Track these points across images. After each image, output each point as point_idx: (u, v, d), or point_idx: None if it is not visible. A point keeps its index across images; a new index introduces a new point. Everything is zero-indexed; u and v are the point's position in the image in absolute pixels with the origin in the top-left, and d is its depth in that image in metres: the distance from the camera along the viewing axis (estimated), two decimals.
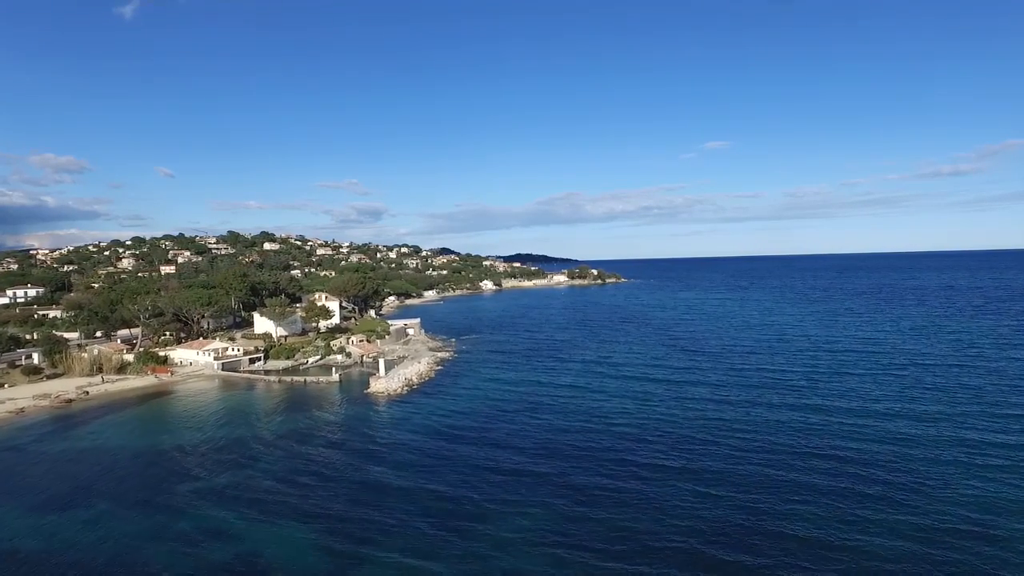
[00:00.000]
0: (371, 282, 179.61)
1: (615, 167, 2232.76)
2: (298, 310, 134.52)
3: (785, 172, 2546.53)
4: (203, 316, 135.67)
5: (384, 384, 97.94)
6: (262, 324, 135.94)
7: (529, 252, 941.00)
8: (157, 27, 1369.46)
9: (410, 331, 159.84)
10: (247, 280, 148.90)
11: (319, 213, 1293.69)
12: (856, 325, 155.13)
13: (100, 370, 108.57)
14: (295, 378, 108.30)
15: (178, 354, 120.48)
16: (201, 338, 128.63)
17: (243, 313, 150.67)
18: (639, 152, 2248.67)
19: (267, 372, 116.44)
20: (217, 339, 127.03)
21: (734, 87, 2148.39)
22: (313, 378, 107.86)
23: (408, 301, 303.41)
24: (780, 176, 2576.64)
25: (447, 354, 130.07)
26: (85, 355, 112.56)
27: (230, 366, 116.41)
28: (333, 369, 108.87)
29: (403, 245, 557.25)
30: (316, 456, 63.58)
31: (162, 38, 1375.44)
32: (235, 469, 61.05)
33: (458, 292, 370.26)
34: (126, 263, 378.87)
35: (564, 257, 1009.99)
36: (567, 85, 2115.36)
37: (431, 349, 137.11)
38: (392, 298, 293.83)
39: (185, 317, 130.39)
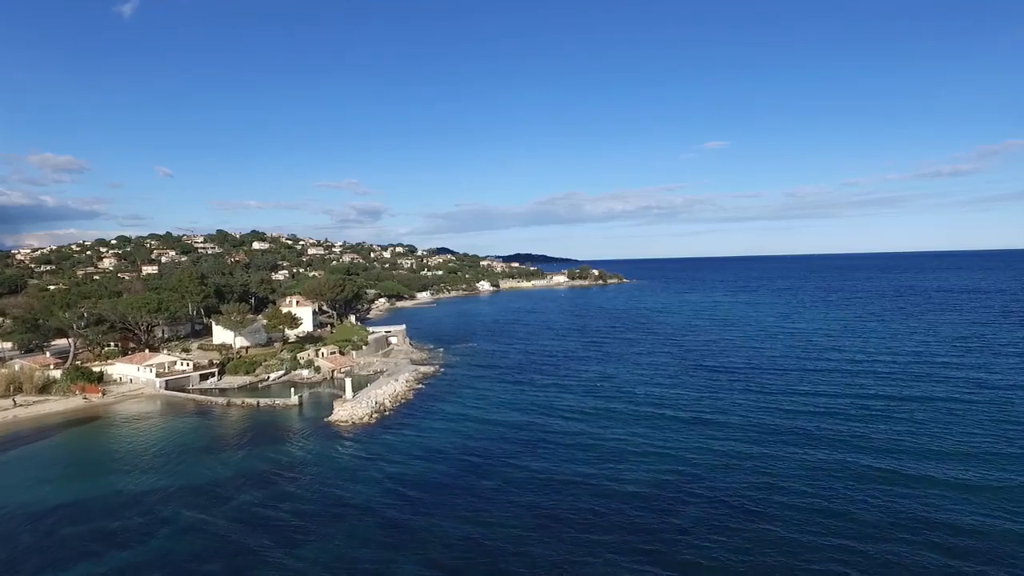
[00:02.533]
0: (351, 284, 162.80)
1: (615, 167, 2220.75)
2: (259, 317, 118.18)
3: (785, 172, 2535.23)
4: (153, 324, 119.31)
5: (349, 410, 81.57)
6: (221, 334, 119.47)
7: (529, 252, 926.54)
8: (156, 26, 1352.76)
9: (392, 340, 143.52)
10: (207, 283, 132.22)
11: (319, 213, 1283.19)
12: (892, 334, 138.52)
13: (19, 390, 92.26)
14: (247, 400, 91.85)
15: (117, 369, 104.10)
16: (147, 350, 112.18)
17: (204, 320, 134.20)
18: (639, 152, 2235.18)
19: (222, 391, 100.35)
20: (164, 351, 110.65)
21: (734, 87, 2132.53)
22: (269, 400, 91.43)
23: (399, 304, 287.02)
24: (780, 176, 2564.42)
25: (431, 368, 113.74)
26: (4, 371, 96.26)
27: (176, 384, 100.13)
28: (292, 390, 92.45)
29: (398, 244, 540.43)
30: (215, 543, 45.73)
31: (162, 37, 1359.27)
32: (110, 550, 44.72)
33: (453, 294, 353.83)
34: (107, 263, 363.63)
35: (564, 257, 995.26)
36: (567, 85, 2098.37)
37: (414, 362, 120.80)
38: (382, 300, 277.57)
39: (131, 326, 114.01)
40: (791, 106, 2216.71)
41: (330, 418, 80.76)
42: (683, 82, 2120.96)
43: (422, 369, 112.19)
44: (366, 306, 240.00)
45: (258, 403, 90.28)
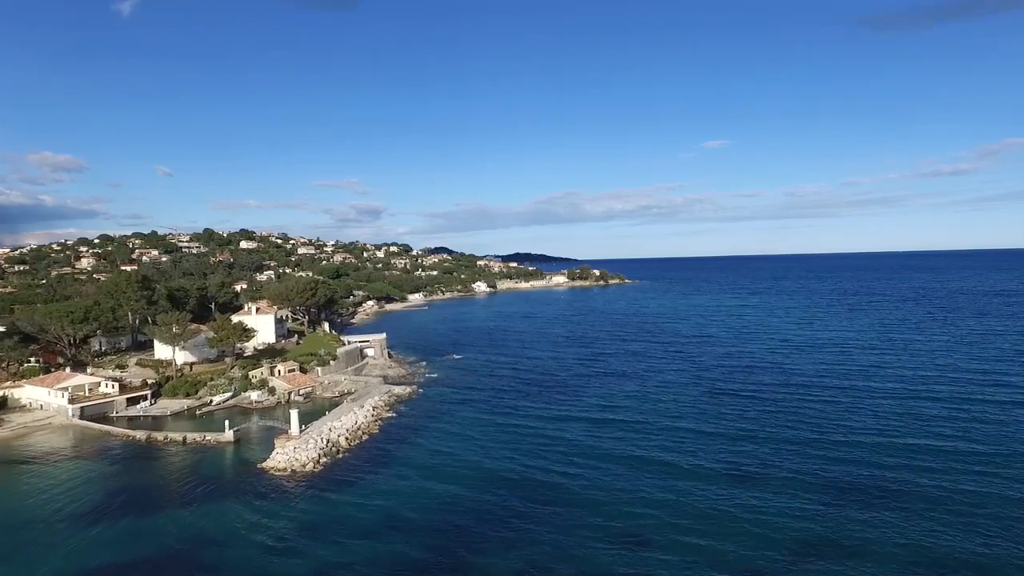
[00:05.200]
0: (324, 288, 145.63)
1: (614, 166, 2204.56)
2: (204, 328, 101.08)
3: (785, 171, 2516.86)
4: (86, 336, 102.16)
5: (290, 453, 64.51)
6: (163, 348, 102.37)
7: (528, 252, 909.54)
8: (155, 24, 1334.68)
9: (369, 352, 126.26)
10: (152, 286, 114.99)
11: (318, 212, 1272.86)
12: (940, 348, 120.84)
13: None
14: (172, 435, 74.63)
15: (27, 393, 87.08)
16: (70, 367, 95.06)
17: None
18: (638, 151, 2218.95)
19: (154, 418, 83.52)
20: (88, 369, 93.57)
21: (733, 86, 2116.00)
22: (198, 435, 74.23)
23: (389, 306, 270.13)
24: (780, 175, 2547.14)
25: (407, 390, 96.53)
26: None
27: (95, 411, 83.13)
28: (227, 423, 75.13)
29: (392, 244, 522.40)
30: None
31: (161, 35, 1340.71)
32: None
33: (448, 295, 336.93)
34: (86, 263, 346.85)
35: (564, 256, 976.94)
36: (567, 84, 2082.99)
37: (389, 380, 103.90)
38: (371, 303, 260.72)
39: (54, 338, 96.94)
40: (791, 106, 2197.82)
41: (265, 464, 63.67)
42: (683, 81, 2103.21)
43: (396, 391, 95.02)
44: (350, 310, 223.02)
45: (184, 439, 73.15)
